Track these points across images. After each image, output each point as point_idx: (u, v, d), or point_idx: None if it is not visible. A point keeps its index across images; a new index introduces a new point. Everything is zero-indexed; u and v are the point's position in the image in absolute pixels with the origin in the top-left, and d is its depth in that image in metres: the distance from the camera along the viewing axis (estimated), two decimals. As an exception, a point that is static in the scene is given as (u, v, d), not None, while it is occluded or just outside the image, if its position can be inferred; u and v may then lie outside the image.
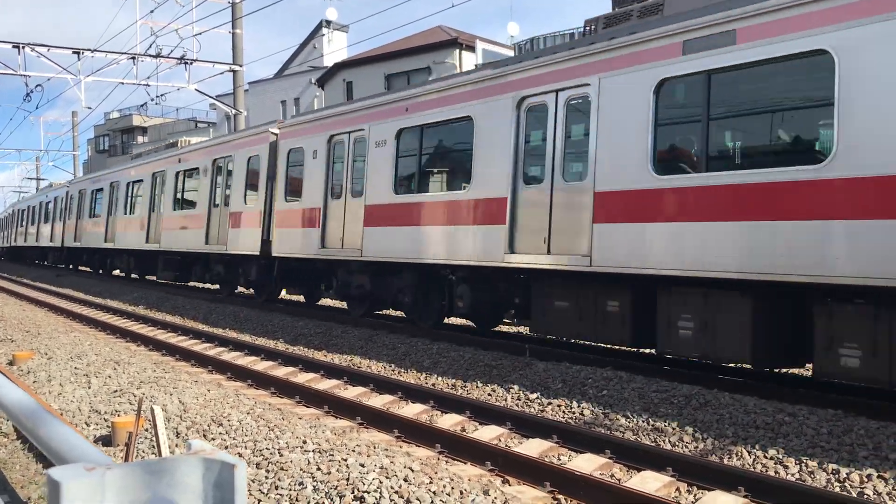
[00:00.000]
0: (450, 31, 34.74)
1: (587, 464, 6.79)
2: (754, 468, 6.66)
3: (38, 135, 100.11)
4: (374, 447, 6.77)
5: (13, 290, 27.95)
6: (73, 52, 26.77)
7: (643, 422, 7.96)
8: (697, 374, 9.47)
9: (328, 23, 44.82)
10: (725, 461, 6.81)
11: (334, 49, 42.66)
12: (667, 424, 7.80)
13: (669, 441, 7.45)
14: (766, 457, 6.81)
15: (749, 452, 6.92)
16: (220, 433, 7.39)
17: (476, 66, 23.46)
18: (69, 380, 10.32)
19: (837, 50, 7.67)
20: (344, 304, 17.40)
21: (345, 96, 35.19)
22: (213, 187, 20.83)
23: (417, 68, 33.22)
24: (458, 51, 32.31)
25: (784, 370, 10.23)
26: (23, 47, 25.98)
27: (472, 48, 31.18)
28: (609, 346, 11.57)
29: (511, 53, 26.45)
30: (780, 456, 6.78)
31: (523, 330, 14.49)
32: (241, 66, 27.77)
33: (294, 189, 16.75)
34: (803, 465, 6.58)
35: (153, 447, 6.87)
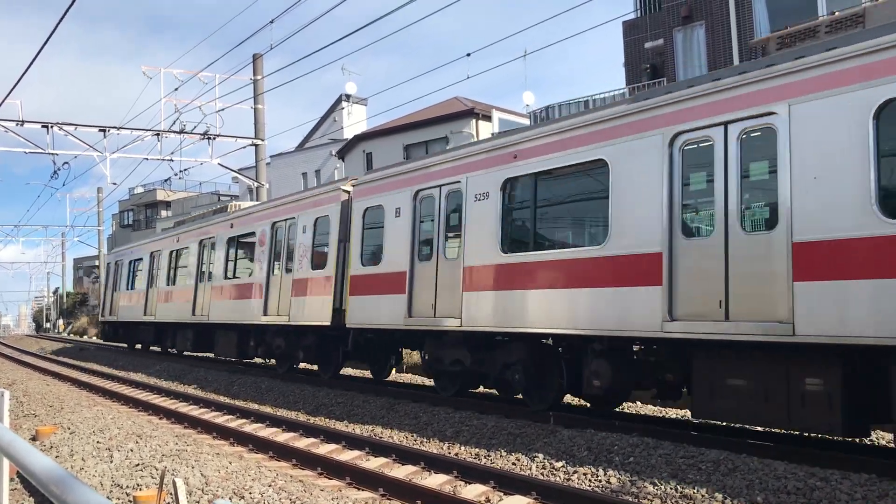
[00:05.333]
0: (466, 101, 35.31)
1: (615, 533, 6.64)
2: (788, 536, 6.48)
3: (65, 211, 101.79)
4: (398, 518, 6.66)
5: (37, 365, 28.11)
6: (100, 130, 27.49)
7: (671, 489, 7.80)
8: (725, 438, 9.30)
9: (348, 97, 45.79)
10: (757, 529, 6.63)
11: (354, 121, 43.48)
12: (695, 491, 7.63)
13: (699, 508, 7.27)
14: (799, 523, 6.62)
15: (782, 519, 6.74)
16: (242, 506, 7.31)
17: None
18: (91, 454, 10.28)
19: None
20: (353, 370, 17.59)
21: (364, 167, 35.69)
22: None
23: (435, 138, 33.70)
24: (474, 120, 32.78)
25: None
26: (51, 126, 26.73)
27: (488, 118, 31.59)
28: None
29: (527, 122, 26.83)
30: (814, 522, 6.59)
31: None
32: (262, 140, 28.33)
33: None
34: (838, 531, 6.40)
35: (175, 521, 6.80)
